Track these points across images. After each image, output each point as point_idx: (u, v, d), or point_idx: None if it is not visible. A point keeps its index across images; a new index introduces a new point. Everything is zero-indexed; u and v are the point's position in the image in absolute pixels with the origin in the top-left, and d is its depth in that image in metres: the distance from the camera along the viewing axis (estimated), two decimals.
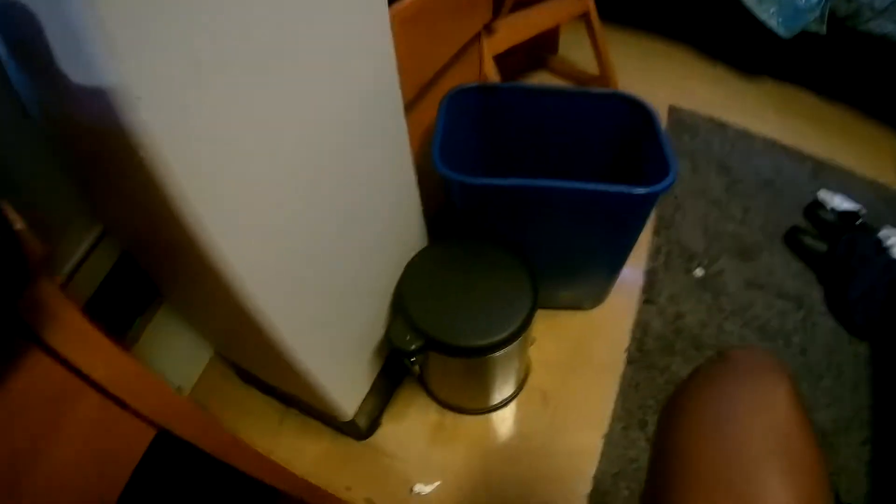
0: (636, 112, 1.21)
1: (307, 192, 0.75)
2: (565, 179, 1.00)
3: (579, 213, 1.08)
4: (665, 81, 2.18)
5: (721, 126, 1.97)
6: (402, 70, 0.90)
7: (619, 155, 1.31)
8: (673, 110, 2.03)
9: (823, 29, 1.88)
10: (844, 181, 1.83)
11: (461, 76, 1.32)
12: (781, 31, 1.89)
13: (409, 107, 1.04)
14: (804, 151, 1.93)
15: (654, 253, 1.58)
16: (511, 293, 1.03)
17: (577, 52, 2.18)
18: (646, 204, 1.07)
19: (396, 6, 0.93)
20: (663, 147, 1.07)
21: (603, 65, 1.91)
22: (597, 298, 1.43)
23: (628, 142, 1.27)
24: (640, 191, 1.00)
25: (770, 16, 1.90)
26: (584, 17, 1.79)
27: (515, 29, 1.53)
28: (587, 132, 1.30)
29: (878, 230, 1.59)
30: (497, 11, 1.42)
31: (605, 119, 1.27)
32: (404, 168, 1.00)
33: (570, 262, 1.22)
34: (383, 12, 0.80)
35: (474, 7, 1.28)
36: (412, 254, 1.07)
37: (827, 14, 1.87)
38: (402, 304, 1.01)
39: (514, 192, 1.04)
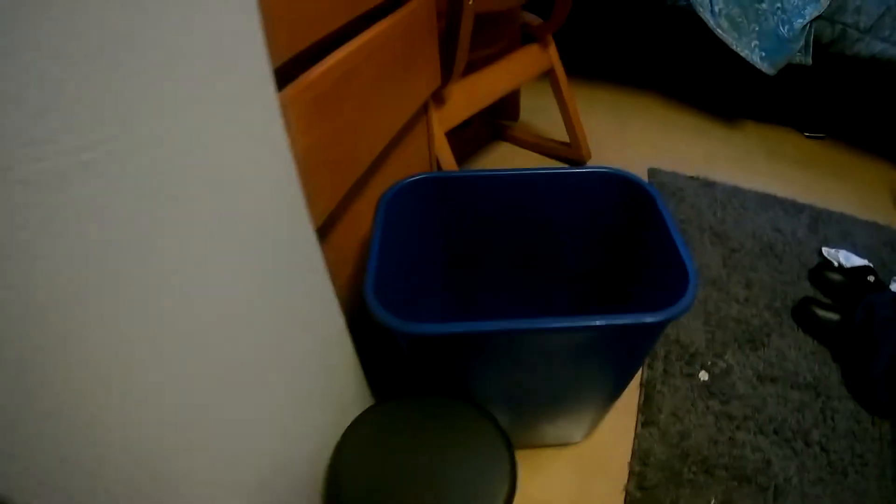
0: (630, 193, 0.96)
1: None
2: (547, 317, 0.72)
3: (570, 352, 0.81)
4: (642, 139, 1.98)
5: (709, 185, 1.75)
6: (317, 170, 0.62)
7: (612, 247, 1.06)
8: (654, 173, 1.81)
9: (809, 59, 1.74)
10: (845, 228, 1.65)
11: (405, 163, 1.05)
12: (766, 67, 1.73)
13: (336, 216, 0.76)
14: (799, 201, 1.74)
15: (651, 360, 1.32)
16: (483, 469, 0.74)
17: (540, 117, 1.96)
18: (658, 328, 0.81)
19: (302, 79, 0.66)
20: (677, 246, 0.82)
21: (573, 130, 1.68)
22: (588, 429, 1.14)
23: (621, 232, 1.02)
24: (653, 319, 0.74)
25: (752, 50, 1.74)
26: (549, 75, 1.57)
27: (470, 96, 1.28)
28: (569, 221, 1.04)
29: (891, 282, 1.41)
30: (447, 76, 1.17)
31: (590, 203, 1.01)
32: (327, 308, 0.72)
33: (557, 401, 0.93)
34: (269, 96, 0.53)
35: (417, 72, 1.00)
36: (349, 419, 0.77)
37: (811, 42, 1.72)
38: (336, 488, 0.71)
39: (480, 338, 0.75)
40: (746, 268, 1.51)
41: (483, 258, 1.08)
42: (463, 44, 1.10)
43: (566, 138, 1.75)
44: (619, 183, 0.97)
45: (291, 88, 0.63)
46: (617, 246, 1.03)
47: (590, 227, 1.03)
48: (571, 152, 1.75)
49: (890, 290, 1.36)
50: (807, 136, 2.09)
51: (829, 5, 1.68)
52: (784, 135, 2.08)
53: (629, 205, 0.96)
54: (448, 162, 1.21)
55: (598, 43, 2.22)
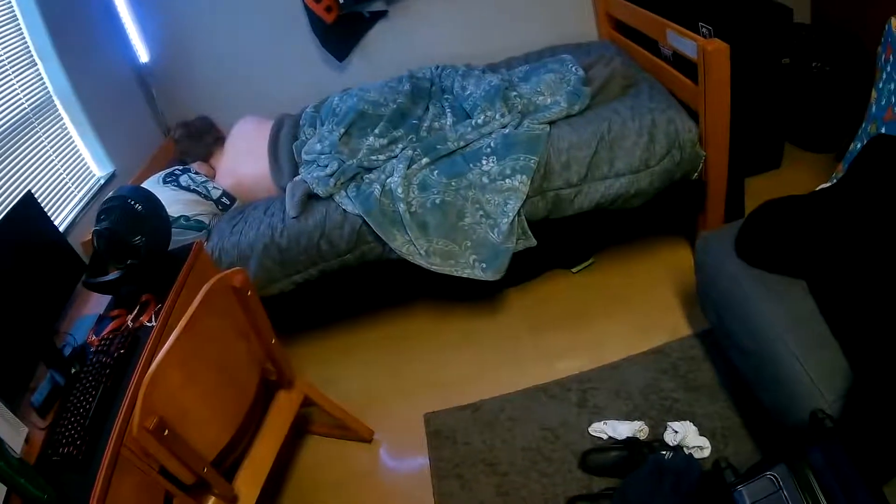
0: None
1: None
2: None
3: None
4: (416, 381, 2.04)
5: (477, 409, 1.82)
6: None
7: None
8: (430, 421, 1.85)
9: (532, 241, 1.86)
10: (619, 377, 1.76)
11: None
12: (490, 275, 1.84)
13: None
14: (565, 377, 1.82)
15: None
16: None
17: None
18: None
19: None
20: None
21: (345, 424, 1.83)
22: None
23: None
24: None
25: (472, 267, 1.86)
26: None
27: (256, 474, 1.43)
28: None
29: (660, 436, 1.54)
30: None
31: None
32: None
33: None
34: None
35: None
36: None
37: (526, 226, 1.86)
38: None
39: None
40: (518, 487, 1.56)
41: None
42: None
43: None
44: None
45: None
46: None
47: None
48: (355, 434, 1.90)
49: (646, 462, 1.41)
50: (574, 272, 2.22)
51: (532, 184, 1.81)
52: (550, 284, 2.20)
53: None
54: None
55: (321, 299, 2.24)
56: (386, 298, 2.34)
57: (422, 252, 1.89)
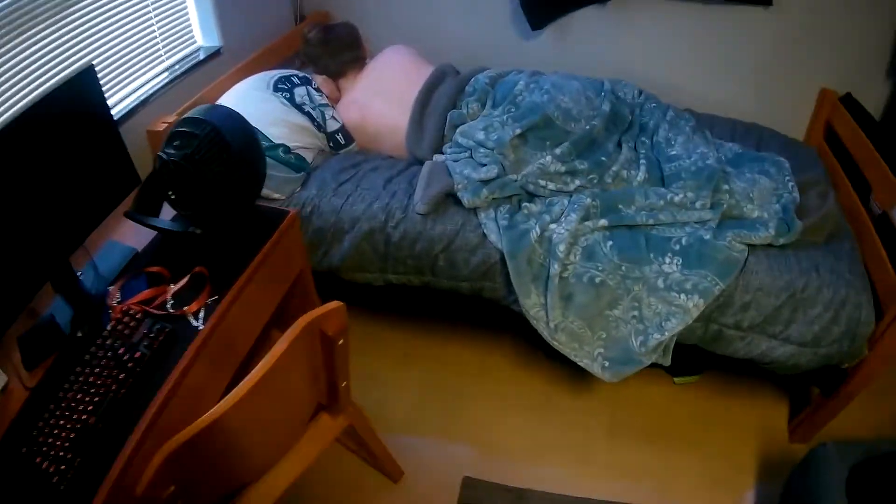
0: None
1: None
2: None
3: None
4: (467, 426, 1.81)
5: (519, 496, 1.62)
6: None
7: None
8: (468, 487, 1.65)
9: (668, 360, 1.62)
10: None
11: None
12: (607, 377, 1.61)
13: None
14: (619, 499, 1.64)
15: None
16: None
17: None
18: None
19: None
20: None
21: (381, 462, 1.59)
22: None
23: None
24: None
25: (594, 359, 1.61)
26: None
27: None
28: None
29: None
30: None
31: None
32: None
33: None
34: None
35: None
36: None
37: (672, 346, 1.60)
38: None
39: None
40: None
41: None
42: None
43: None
44: None
45: None
46: None
47: None
48: (383, 468, 1.68)
49: None
50: (676, 383, 1.99)
51: (704, 310, 1.54)
52: (647, 383, 1.96)
53: None
54: None
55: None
56: (474, 317, 2.03)
57: (551, 325, 1.61)
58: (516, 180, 1.69)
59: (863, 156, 1.87)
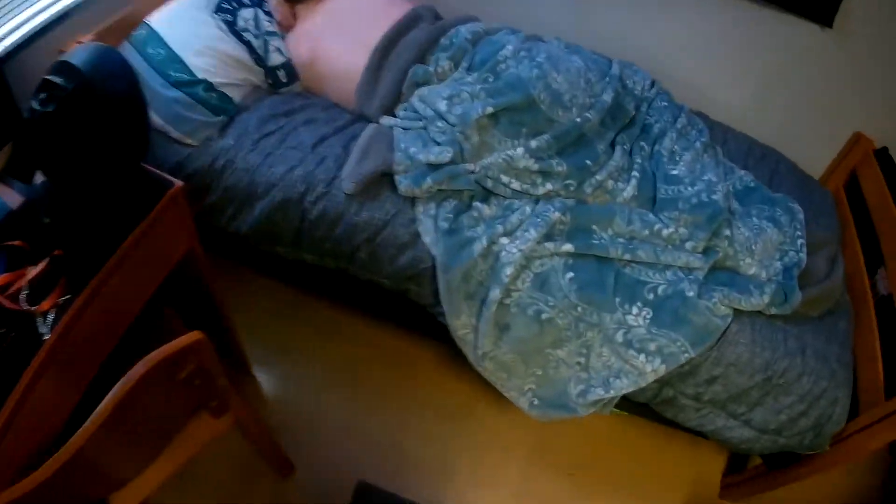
0: None
1: None
2: None
3: None
4: (344, 415, 1.56)
5: None
6: None
7: None
8: (360, 492, 1.44)
9: (607, 412, 1.40)
10: None
11: None
12: (533, 414, 1.39)
13: None
14: None
15: None
16: None
17: None
18: None
19: None
20: None
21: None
22: None
23: None
24: None
25: (522, 394, 1.39)
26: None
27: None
28: None
29: None
30: None
31: None
32: None
33: None
34: None
35: None
36: None
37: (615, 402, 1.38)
38: None
39: None
40: None
41: None
42: None
43: None
44: None
45: None
46: None
47: None
48: (271, 460, 1.44)
49: None
50: (607, 413, 1.61)
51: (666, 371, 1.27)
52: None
53: None
54: None
55: None
56: (398, 311, 1.72)
57: (478, 351, 1.33)
58: (473, 172, 1.35)
59: (883, 223, 1.56)
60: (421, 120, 1.42)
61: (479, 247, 1.28)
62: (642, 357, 1.28)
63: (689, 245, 1.37)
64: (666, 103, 1.64)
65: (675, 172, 1.49)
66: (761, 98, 1.87)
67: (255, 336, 1.67)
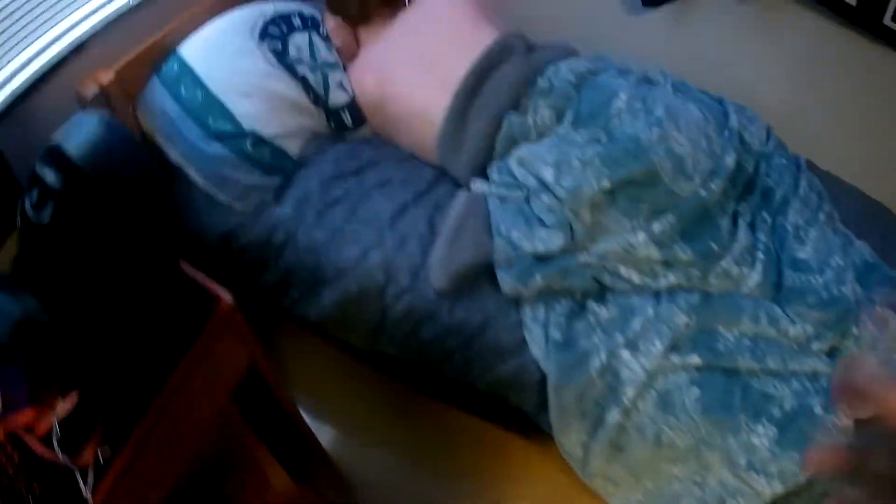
0: None
1: None
2: None
3: None
4: None
5: None
6: None
7: None
8: None
9: None
10: None
11: None
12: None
13: None
14: None
15: None
16: None
17: None
18: None
19: None
20: None
21: None
22: None
23: None
24: None
25: None
26: None
27: None
28: None
29: None
30: None
31: None
32: None
33: None
34: None
35: None
36: None
37: None
38: None
39: None
40: None
41: None
42: None
43: None
44: None
45: None
46: None
47: None
48: None
49: None
50: None
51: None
52: None
53: None
54: None
55: None
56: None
57: (588, 468, 1.18)
58: (588, 265, 1.13)
59: None
60: (521, 188, 1.18)
61: (596, 363, 1.09)
62: (763, 479, 1.14)
63: (815, 346, 1.20)
64: (785, 160, 1.42)
65: (802, 255, 1.30)
66: (875, 145, 1.64)
67: (324, 409, 1.44)
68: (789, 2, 1.50)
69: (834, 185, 1.57)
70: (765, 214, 1.34)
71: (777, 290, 1.27)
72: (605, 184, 1.14)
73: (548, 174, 1.16)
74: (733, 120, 1.36)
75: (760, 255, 1.26)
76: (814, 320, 1.21)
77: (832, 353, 1.20)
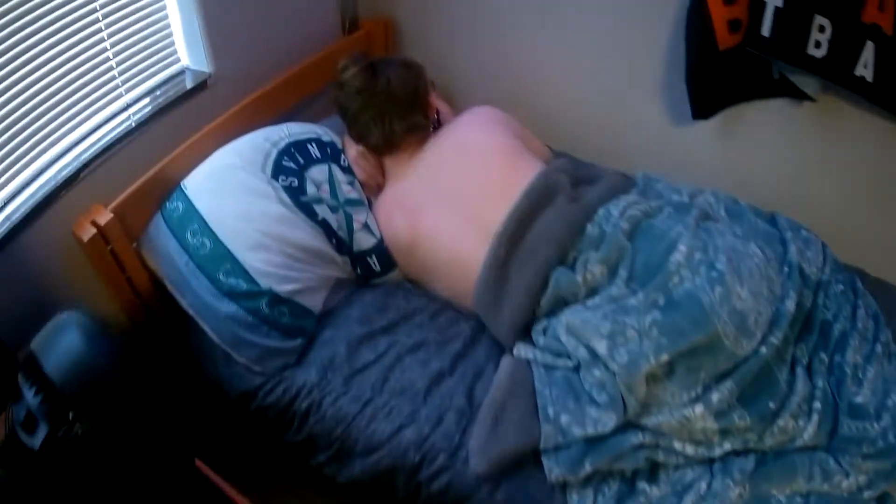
0: None
1: None
2: None
3: None
4: None
5: None
6: None
7: None
8: None
9: None
10: None
11: None
12: None
13: None
14: None
15: None
16: None
17: None
18: None
19: None
20: None
21: None
22: None
23: None
24: None
25: None
26: None
27: None
28: None
29: None
30: None
31: None
32: None
33: None
34: None
35: None
36: None
37: None
38: None
39: None
40: None
41: None
42: None
43: None
44: None
45: None
46: None
47: None
48: None
49: None
50: None
51: None
52: None
53: None
54: None
55: None
56: None
57: None
58: (642, 446, 1.04)
59: None
60: (569, 358, 1.08)
61: None
62: None
63: (866, 494, 1.14)
64: (842, 286, 1.32)
65: (859, 400, 1.22)
66: None
67: None
68: (848, 103, 1.37)
69: (887, 296, 1.48)
70: (822, 355, 1.25)
71: (831, 436, 1.19)
72: (664, 357, 1.04)
73: (601, 347, 1.06)
74: (792, 251, 1.25)
75: (817, 405, 1.18)
76: (867, 470, 1.15)
77: (883, 499, 1.15)
